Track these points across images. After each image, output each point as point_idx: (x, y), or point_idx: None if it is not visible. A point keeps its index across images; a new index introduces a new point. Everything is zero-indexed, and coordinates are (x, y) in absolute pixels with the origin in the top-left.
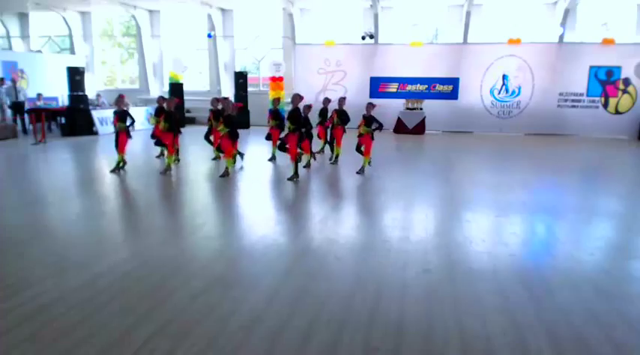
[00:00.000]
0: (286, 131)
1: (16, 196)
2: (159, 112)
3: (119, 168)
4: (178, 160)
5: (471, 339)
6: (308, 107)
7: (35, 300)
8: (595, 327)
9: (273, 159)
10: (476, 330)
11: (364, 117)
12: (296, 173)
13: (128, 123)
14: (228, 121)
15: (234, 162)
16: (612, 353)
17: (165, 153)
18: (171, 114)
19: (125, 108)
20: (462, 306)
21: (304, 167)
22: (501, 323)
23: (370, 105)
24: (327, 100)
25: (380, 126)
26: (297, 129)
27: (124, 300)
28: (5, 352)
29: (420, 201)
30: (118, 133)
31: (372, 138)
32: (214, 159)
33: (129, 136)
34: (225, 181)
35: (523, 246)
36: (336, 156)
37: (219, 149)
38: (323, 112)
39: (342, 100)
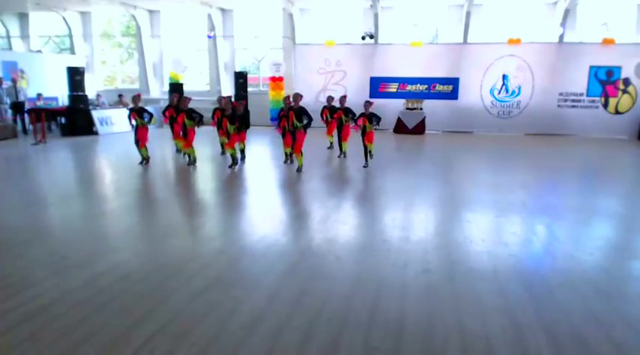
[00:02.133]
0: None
1: (16, 196)
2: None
3: (147, 162)
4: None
5: (471, 338)
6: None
7: (35, 300)
8: (595, 327)
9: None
10: (476, 330)
11: (364, 115)
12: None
13: (146, 120)
14: (232, 119)
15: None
16: (612, 352)
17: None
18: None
19: (140, 106)
20: (462, 306)
21: (297, 171)
22: (501, 322)
23: (368, 103)
24: (343, 98)
25: (379, 120)
26: (306, 126)
27: (124, 300)
28: (5, 352)
29: (420, 201)
30: (137, 129)
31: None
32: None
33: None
34: (225, 181)
35: (523, 246)
36: (344, 152)
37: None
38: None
39: (343, 99)
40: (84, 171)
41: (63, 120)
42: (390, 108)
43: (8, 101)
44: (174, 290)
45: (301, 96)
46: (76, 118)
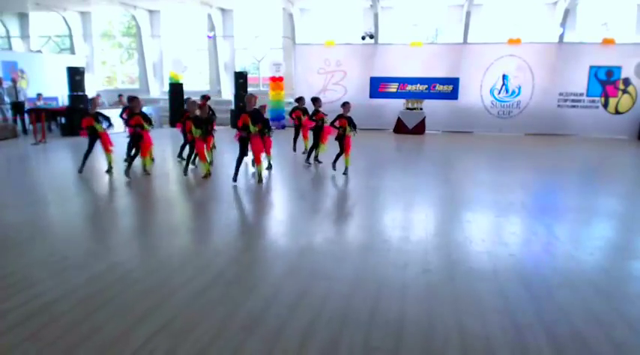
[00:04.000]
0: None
1: (16, 196)
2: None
3: (111, 168)
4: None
5: (471, 339)
6: (263, 107)
7: (36, 300)
8: (595, 327)
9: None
10: (476, 330)
11: (344, 117)
12: (260, 175)
13: (105, 126)
14: (197, 123)
15: (209, 162)
16: (612, 352)
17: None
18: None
19: (97, 111)
20: (462, 306)
21: (267, 169)
22: (501, 322)
23: (347, 105)
24: (316, 100)
25: (355, 127)
26: (262, 132)
27: (124, 299)
28: (6, 351)
29: (420, 201)
30: (97, 136)
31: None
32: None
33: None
34: (222, 182)
35: (523, 245)
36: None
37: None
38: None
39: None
40: (84, 170)
41: (63, 120)
42: (390, 108)
43: (8, 101)
44: (174, 290)
45: (256, 97)
46: (76, 118)
